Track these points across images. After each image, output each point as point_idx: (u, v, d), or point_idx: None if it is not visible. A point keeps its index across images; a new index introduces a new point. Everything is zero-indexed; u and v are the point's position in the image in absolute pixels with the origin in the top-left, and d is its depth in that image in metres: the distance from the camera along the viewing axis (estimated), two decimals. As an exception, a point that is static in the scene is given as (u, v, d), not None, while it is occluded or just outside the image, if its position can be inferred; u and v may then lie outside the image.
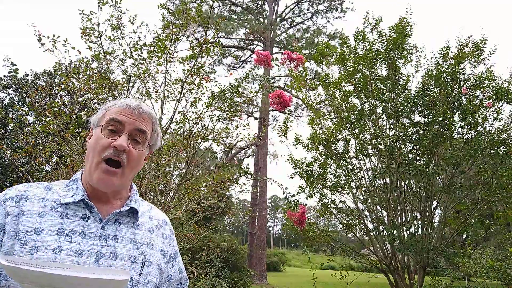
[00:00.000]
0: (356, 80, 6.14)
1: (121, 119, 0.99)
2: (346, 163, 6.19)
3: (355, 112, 6.07)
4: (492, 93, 5.56)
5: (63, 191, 1.00)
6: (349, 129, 6.21)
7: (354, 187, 6.17)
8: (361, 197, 6.21)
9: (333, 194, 6.11)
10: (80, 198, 0.96)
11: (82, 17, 3.56)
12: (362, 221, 6.22)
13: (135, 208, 1.04)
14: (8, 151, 5.56)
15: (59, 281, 0.69)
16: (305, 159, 6.23)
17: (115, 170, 0.97)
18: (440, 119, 5.41)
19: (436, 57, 6.11)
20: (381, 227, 6.00)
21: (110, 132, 0.99)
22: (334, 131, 6.27)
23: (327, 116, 6.59)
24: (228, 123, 4.10)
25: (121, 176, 0.99)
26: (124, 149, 0.97)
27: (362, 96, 6.23)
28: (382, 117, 6.26)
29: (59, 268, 0.68)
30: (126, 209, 1.02)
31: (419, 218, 5.90)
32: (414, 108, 5.80)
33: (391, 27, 6.00)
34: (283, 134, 5.01)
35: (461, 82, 5.74)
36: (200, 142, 3.90)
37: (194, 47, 3.70)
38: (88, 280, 0.69)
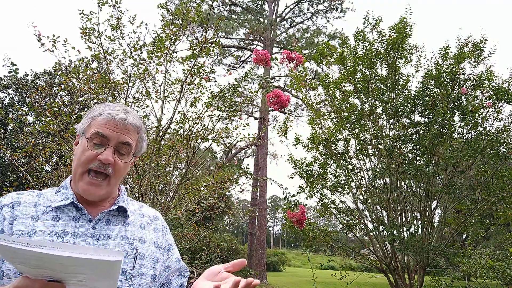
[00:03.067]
0: (356, 80, 6.14)
1: (106, 134, 1.01)
2: (346, 163, 6.19)
3: (355, 112, 6.07)
4: (492, 93, 5.56)
5: (54, 197, 1.04)
6: (349, 129, 6.20)
7: (354, 187, 6.16)
8: (361, 197, 6.21)
9: (333, 194, 6.11)
10: (70, 201, 1.01)
11: (82, 17, 3.56)
12: (362, 221, 6.21)
13: (124, 207, 1.07)
14: (8, 151, 5.56)
15: (50, 261, 0.68)
16: (305, 159, 6.23)
17: (100, 182, 1.01)
18: (440, 119, 5.41)
19: (436, 57, 6.11)
20: (381, 227, 6.00)
21: (96, 145, 1.01)
22: (334, 131, 6.26)
23: (327, 116, 6.58)
24: (228, 123, 4.10)
25: (106, 186, 1.02)
26: (110, 162, 1.00)
27: (362, 96, 6.23)
28: (382, 117, 6.26)
29: (51, 248, 0.67)
30: (114, 208, 1.05)
31: (419, 218, 5.89)
32: (414, 108, 5.80)
33: (391, 27, 6.00)
34: (283, 134, 5.01)
35: (461, 82, 5.74)
36: (200, 142, 3.90)
37: (194, 47, 3.70)
38: (80, 260, 0.67)
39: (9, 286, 0.76)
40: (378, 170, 5.84)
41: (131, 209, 1.12)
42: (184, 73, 3.73)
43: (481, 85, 5.67)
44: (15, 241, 0.67)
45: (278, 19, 18.93)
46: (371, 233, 6.17)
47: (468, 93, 5.70)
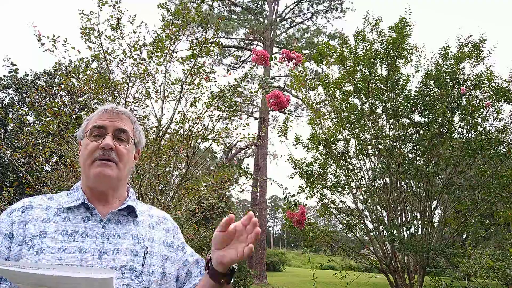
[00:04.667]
0: (356, 80, 6.13)
1: (102, 123, 1.08)
2: (346, 163, 6.18)
3: (355, 112, 6.06)
4: (491, 93, 5.55)
5: (65, 199, 1.07)
6: (349, 129, 6.20)
7: (354, 187, 6.16)
8: (361, 197, 6.20)
9: (333, 194, 6.10)
10: (80, 202, 1.04)
11: (82, 17, 3.56)
12: (362, 221, 6.21)
13: (133, 207, 1.10)
14: (8, 151, 5.56)
15: (47, 280, 0.71)
16: (305, 159, 6.23)
17: (109, 163, 1.05)
18: (440, 119, 5.41)
19: (436, 57, 6.11)
20: (381, 227, 6.00)
21: (96, 137, 1.08)
22: (334, 131, 6.26)
23: (327, 116, 6.58)
24: (228, 123, 4.10)
25: (116, 169, 1.06)
26: (111, 147, 1.05)
27: (362, 96, 6.22)
28: (382, 117, 6.25)
29: (45, 269, 0.71)
30: (123, 208, 1.08)
31: (419, 218, 5.89)
32: (414, 108, 5.79)
33: (390, 27, 5.99)
34: (283, 134, 5.00)
35: (461, 82, 5.73)
36: (200, 142, 3.90)
37: (194, 47, 3.70)
38: (74, 279, 0.71)
39: None
40: (378, 170, 5.84)
41: (140, 210, 1.14)
42: (184, 73, 3.73)
43: (480, 85, 5.67)
44: (12, 264, 0.71)
45: (278, 19, 18.93)
46: (371, 233, 6.17)
47: (468, 93, 5.69)
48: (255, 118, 17.88)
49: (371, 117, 6.16)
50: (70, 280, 0.71)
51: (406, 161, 5.59)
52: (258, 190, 16.24)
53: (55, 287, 0.74)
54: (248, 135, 4.49)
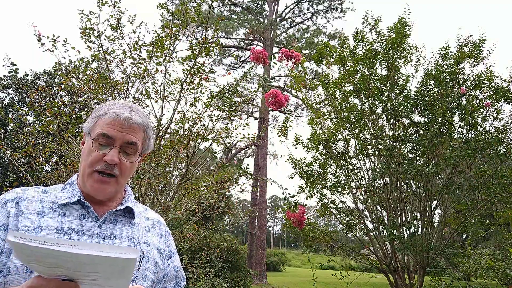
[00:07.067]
0: (356, 80, 6.13)
1: (111, 134, 0.99)
2: (346, 163, 6.18)
3: (355, 112, 6.06)
4: (491, 93, 5.55)
5: (60, 194, 1.03)
6: (349, 129, 6.20)
7: (354, 187, 6.16)
8: (361, 197, 6.21)
9: (333, 194, 6.10)
10: (76, 199, 0.99)
11: (82, 17, 3.57)
12: (362, 221, 6.21)
13: (131, 208, 1.07)
14: (8, 151, 5.56)
15: (66, 259, 0.68)
16: (305, 159, 6.23)
17: (108, 180, 1.00)
18: (439, 119, 5.41)
19: (435, 57, 6.11)
20: (381, 227, 6.00)
21: (101, 145, 1.00)
22: (334, 131, 6.26)
23: (327, 116, 6.58)
24: (227, 123, 4.10)
25: (115, 184, 1.01)
26: (115, 163, 0.99)
27: (362, 96, 6.22)
28: (382, 117, 6.25)
29: (67, 245, 0.67)
30: (121, 208, 1.05)
31: (419, 218, 5.89)
32: (413, 108, 5.79)
33: (389, 27, 5.99)
34: (283, 134, 5.00)
35: (461, 82, 5.73)
36: (200, 142, 3.90)
37: (194, 47, 3.70)
38: (96, 258, 0.68)
39: (22, 285, 0.74)
40: (378, 170, 5.84)
41: (137, 211, 1.11)
42: (184, 73, 3.73)
43: (480, 85, 5.67)
44: (32, 240, 0.66)
45: (278, 19, 18.93)
46: (371, 233, 6.17)
47: (467, 93, 5.69)
48: (255, 118, 17.88)
49: (371, 117, 6.16)
50: (92, 259, 0.67)
51: (406, 161, 5.59)
52: (258, 190, 16.24)
53: (73, 267, 0.70)
54: (248, 135, 4.50)
